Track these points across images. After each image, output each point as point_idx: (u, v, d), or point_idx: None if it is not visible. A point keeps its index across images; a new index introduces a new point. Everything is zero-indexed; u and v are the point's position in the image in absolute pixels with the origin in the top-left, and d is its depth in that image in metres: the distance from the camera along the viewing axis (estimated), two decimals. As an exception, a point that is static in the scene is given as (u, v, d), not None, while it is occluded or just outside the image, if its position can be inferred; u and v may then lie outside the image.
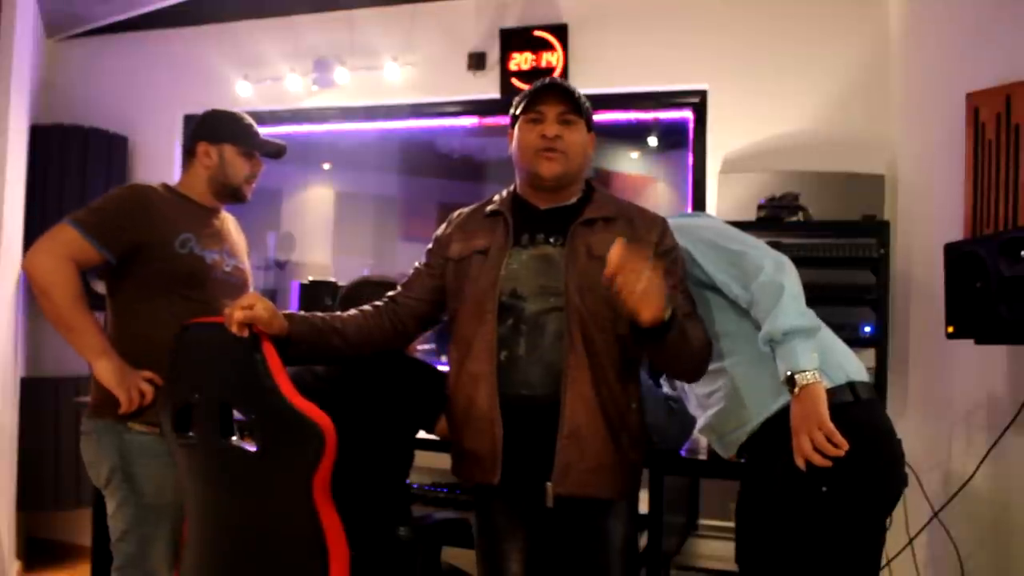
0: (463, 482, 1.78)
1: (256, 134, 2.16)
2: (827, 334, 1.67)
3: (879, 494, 1.55)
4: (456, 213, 1.88)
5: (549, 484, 1.62)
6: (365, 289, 1.98)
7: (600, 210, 1.73)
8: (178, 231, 2.01)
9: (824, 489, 1.48)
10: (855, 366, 1.63)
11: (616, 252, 1.41)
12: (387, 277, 2.04)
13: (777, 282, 1.56)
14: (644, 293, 1.41)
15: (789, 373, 1.50)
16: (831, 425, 1.45)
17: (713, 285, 1.70)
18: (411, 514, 1.91)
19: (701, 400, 1.78)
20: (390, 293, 1.86)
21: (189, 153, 2.14)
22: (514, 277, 1.67)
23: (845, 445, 1.44)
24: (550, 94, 1.72)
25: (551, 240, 1.70)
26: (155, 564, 1.97)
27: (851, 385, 1.58)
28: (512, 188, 1.82)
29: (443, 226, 1.87)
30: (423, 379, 1.91)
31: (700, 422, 1.80)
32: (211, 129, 2.12)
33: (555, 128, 1.70)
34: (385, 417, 1.82)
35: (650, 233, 1.70)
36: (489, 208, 1.79)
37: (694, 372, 1.69)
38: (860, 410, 1.57)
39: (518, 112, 1.76)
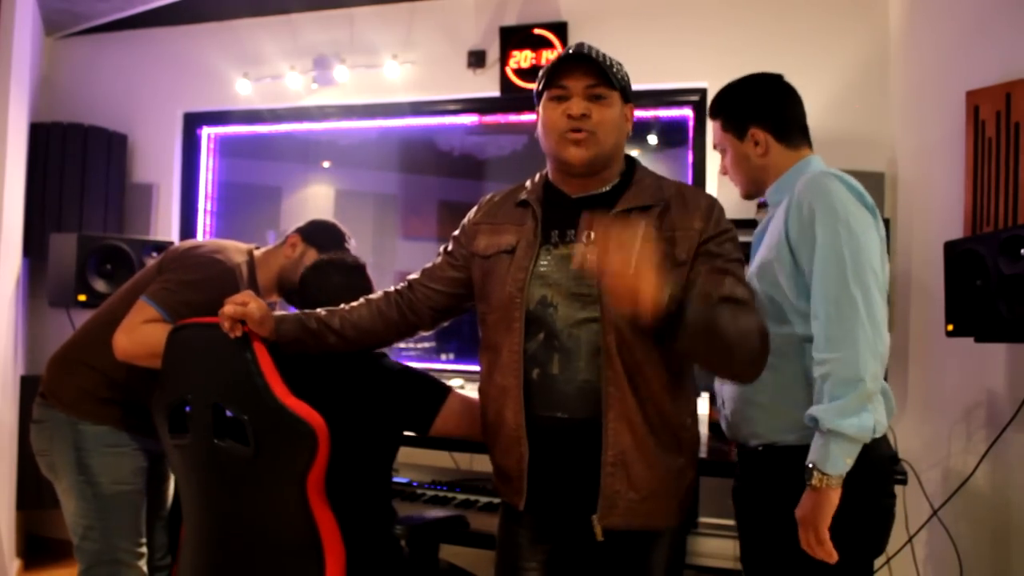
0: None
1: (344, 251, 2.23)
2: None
3: (873, 548, 1.56)
4: (488, 196, 1.70)
5: (595, 517, 1.46)
6: (334, 276, 1.91)
7: (637, 198, 1.52)
8: None
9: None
10: (882, 416, 1.51)
11: (586, 256, 1.25)
12: (356, 260, 1.99)
13: (858, 374, 1.39)
14: (632, 290, 1.22)
15: (812, 466, 1.43)
16: (825, 534, 1.42)
17: (801, 269, 1.52)
18: (396, 512, 1.90)
19: None
20: (410, 277, 1.75)
21: (284, 239, 2.22)
22: (543, 283, 1.50)
23: (833, 556, 1.42)
24: (575, 66, 1.50)
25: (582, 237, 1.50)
26: (121, 555, 2.02)
27: (872, 443, 1.47)
28: (544, 172, 1.64)
29: (473, 210, 1.71)
30: (405, 385, 1.83)
31: (716, 383, 1.73)
32: (312, 232, 2.20)
33: (582, 106, 1.49)
34: (368, 424, 1.79)
35: (692, 220, 1.50)
36: (520, 197, 1.61)
37: (745, 370, 1.44)
38: (870, 474, 1.50)
39: (541, 88, 1.55)
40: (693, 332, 1.30)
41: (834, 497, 1.41)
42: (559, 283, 1.49)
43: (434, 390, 1.83)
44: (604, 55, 1.54)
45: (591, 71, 1.50)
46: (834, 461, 1.40)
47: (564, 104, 1.51)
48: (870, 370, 1.40)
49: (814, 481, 1.42)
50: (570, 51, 1.51)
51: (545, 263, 1.51)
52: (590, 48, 1.52)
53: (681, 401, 1.53)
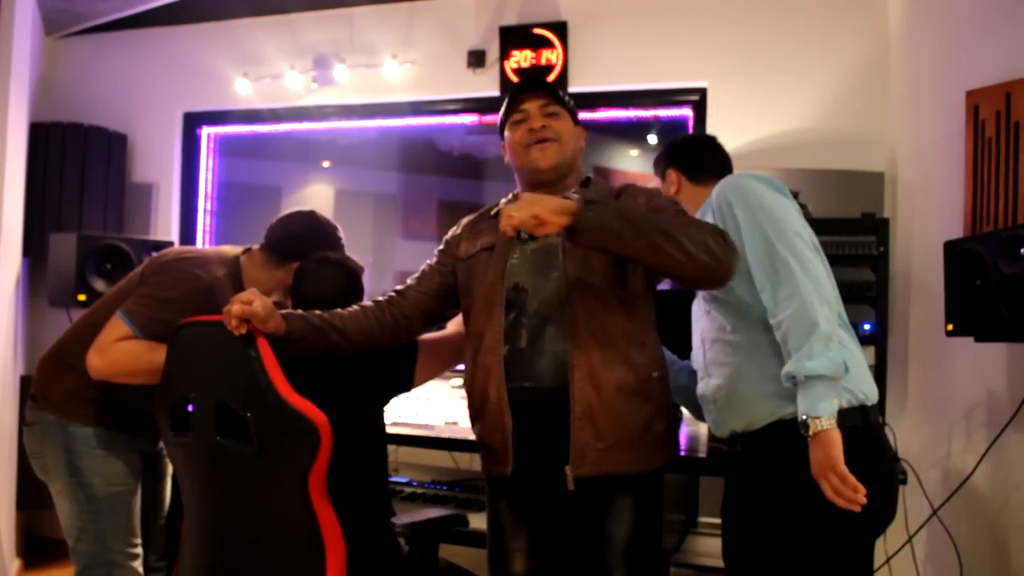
0: (483, 475, 1.82)
1: None
2: (847, 347, 1.57)
3: (877, 521, 1.56)
4: (466, 217, 1.94)
5: (568, 468, 1.62)
6: (331, 274, 1.94)
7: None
8: None
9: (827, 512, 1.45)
10: (869, 386, 1.57)
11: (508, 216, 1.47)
12: (346, 259, 2.01)
13: (811, 320, 1.46)
14: (534, 215, 1.46)
15: (804, 417, 1.45)
16: (844, 469, 1.41)
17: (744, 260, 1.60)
18: (393, 509, 1.91)
19: (711, 367, 1.71)
20: (398, 287, 1.89)
21: (280, 258, 2.09)
22: (516, 271, 1.72)
23: (862, 490, 1.40)
24: (529, 92, 1.79)
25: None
26: (114, 556, 2.01)
27: (862, 408, 1.54)
28: (515, 192, 1.87)
29: (453, 228, 1.94)
30: (380, 352, 1.85)
31: (699, 387, 1.75)
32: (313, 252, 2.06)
33: (540, 120, 1.75)
34: (362, 408, 1.81)
35: (638, 199, 1.74)
36: (495, 211, 1.85)
37: (702, 268, 1.50)
38: (867, 437, 1.53)
39: (503, 119, 1.83)
40: (613, 224, 1.47)
41: (835, 436, 1.42)
42: (529, 271, 1.71)
43: (405, 346, 1.89)
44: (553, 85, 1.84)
45: (543, 94, 1.78)
46: (820, 403, 1.43)
47: (525, 124, 1.77)
48: (821, 313, 1.46)
49: (810, 430, 1.44)
50: (523, 80, 1.82)
51: (517, 257, 1.74)
52: (540, 79, 1.83)
53: (648, 356, 1.68)
